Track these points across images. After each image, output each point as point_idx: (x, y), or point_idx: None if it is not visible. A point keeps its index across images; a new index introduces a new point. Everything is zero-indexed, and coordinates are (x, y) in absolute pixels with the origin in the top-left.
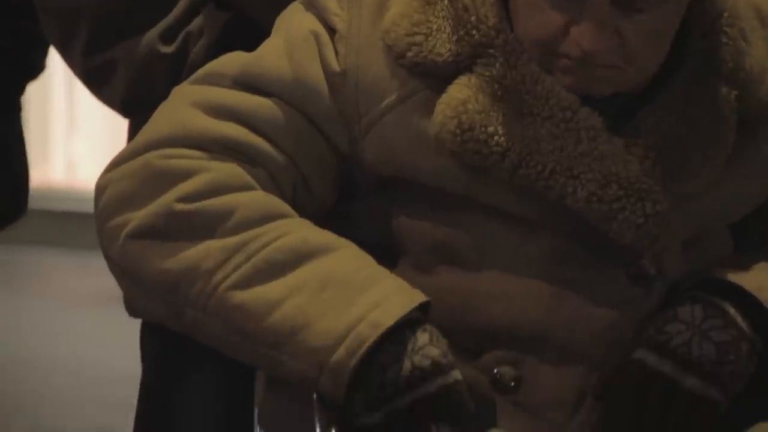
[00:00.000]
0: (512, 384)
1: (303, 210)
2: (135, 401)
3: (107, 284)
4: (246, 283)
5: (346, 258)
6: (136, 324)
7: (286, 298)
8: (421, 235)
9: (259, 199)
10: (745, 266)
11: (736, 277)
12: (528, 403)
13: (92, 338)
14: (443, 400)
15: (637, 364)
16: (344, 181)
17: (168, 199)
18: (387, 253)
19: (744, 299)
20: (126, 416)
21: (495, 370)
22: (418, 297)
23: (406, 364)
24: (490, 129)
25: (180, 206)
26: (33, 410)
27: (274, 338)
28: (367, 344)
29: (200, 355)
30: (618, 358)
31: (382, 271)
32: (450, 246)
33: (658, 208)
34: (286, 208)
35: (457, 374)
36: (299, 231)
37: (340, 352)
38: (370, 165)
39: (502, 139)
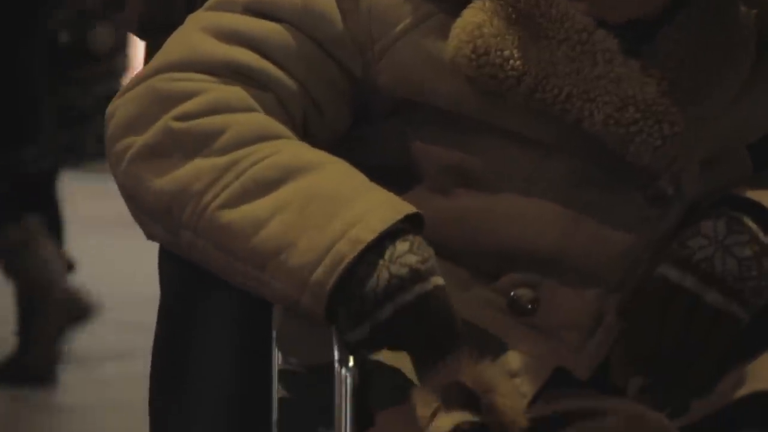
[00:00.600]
0: (529, 306)
1: (316, 135)
2: (154, 324)
3: (125, 207)
4: (234, 202)
5: (333, 173)
6: (154, 247)
7: (271, 217)
8: (437, 158)
9: (256, 119)
10: (764, 186)
11: (756, 196)
12: (545, 325)
13: (110, 261)
14: (424, 307)
15: (659, 278)
16: (359, 105)
17: (166, 118)
18: (403, 176)
19: (765, 216)
20: (145, 339)
21: (512, 293)
22: (404, 209)
23: (384, 274)
24: (506, 53)
25: (176, 124)
26: None
27: (259, 259)
28: (346, 261)
29: (218, 277)
30: (639, 274)
31: (369, 185)
32: (466, 169)
33: (676, 130)
34: (283, 130)
35: (437, 280)
36: (291, 149)
37: (320, 271)
38: (384, 89)
39: (518, 62)
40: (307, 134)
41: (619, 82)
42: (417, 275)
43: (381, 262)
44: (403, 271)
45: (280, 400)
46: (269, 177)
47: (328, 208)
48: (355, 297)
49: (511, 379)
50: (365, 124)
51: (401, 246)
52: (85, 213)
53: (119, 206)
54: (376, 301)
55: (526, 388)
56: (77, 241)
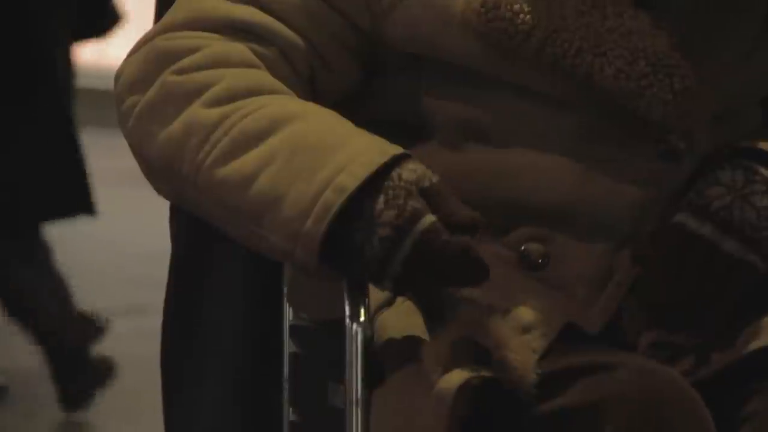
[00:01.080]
0: (540, 261)
1: (325, 90)
2: (165, 279)
3: (135, 162)
4: (225, 158)
5: (319, 122)
6: (165, 201)
7: (260, 170)
8: (448, 113)
9: (251, 74)
10: None
11: None
12: (555, 279)
13: (122, 217)
14: (423, 254)
15: (676, 227)
16: (368, 59)
17: (165, 74)
18: (414, 130)
19: None
20: (156, 294)
21: (523, 247)
22: (389, 151)
23: (374, 241)
24: (516, 7)
25: (172, 78)
26: None
27: (254, 213)
28: (333, 211)
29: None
30: (654, 224)
31: (355, 131)
32: (477, 124)
33: (687, 84)
34: (279, 86)
35: (423, 223)
36: (279, 102)
37: (310, 222)
38: (394, 43)
39: (528, 16)
40: (315, 90)
41: (629, 35)
42: (400, 231)
43: (366, 226)
44: (387, 231)
45: (291, 355)
46: (257, 130)
47: (314, 157)
48: (348, 251)
49: (522, 334)
50: (376, 79)
51: (378, 203)
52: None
53: (130, 161)
54: (382, 265)
55: (536, 343)
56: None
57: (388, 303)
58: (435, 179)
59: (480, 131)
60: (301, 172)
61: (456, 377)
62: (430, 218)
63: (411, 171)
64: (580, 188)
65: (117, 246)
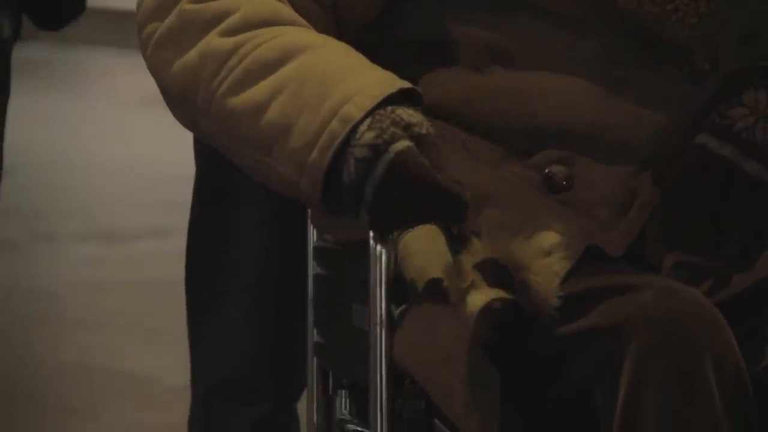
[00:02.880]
0: (564, 183)
1: (347, 16)
2: (187, 202)
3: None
4: (237, 87)
5: (331, 53)
6: None
7: (271, 99)
8: (473, 35)
9: (268, 4)
10: None
11: None
12: (579, 201)
13: (146, 139)
14: (396, 175)
15: (697, 148)
16: None
17: (183, 2)
18: (438, 52)
19: None
20: (180, 217)
21: (546, 170)
22: (396, 84)
23: (350, 161)
24: None
25: (189, 6)
26: (87, 212)
27: (264, 143)
28: (338, 141)
29: None
30: (676, 145)
31: (366, 64)
32: (501, 46)
33: (712, 7)
34: (295, 17)
35: (400, 145)
36: (293, 32)
37: (315, 153)
38: None
39: None
40: (337, 16)
41: None
42: (376, 150)
43: (348, 150)
44: (363, 152)
45: (315, 276)
46: (269, 59)
47: (323, 87)
48: (339, 191)
49: (544, 257)
50: (399, 3)
51: (362, 127)
52: (122, 89)
53: (152, 84)
54: (355, 190)
55: (558, 266)
56: (114, 119)
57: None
58: (431, 130)
59: (504, 54)
60: (309, 101)
61: (478, 299)
62: (407, 142)
63: (408, 114)
64: (604, 110)
65: (138, 168)
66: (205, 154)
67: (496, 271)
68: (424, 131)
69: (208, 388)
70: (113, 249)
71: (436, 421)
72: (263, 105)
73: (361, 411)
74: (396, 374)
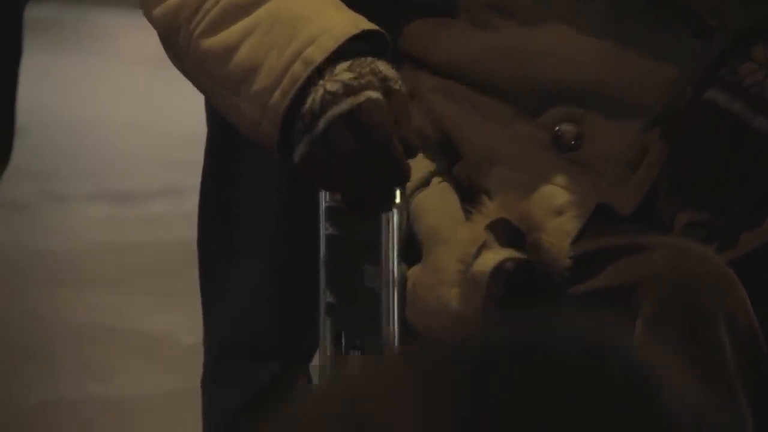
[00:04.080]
0: (573, 142)
1: None
2: (199, 161)
3: None
4: (212, 29)
5: None
6: None
7: (242, 40)
8: None
9: None
10: None
11: None
12: (588, 160)
13: (157, 99)
14: (355, 118)
15: (706, 103)
16: None
17: None
18: (445, 10)
19: None
20: (192, 176)
21: (556, 128)
22: (360, 26)
23: (319, 92)
24: None
25: None
26: (99, 172)
27: (233, 84)
28: (298, 84)
29: None
30: (685, 101)
31: (336, 5)
32: (507, 3)
33: None
34: None
35: (371, 94)
36: None
37: (277, 94)
38: None
39: None
40: None
41: None
42: (349, 89)
43: (321, 82)
44: (336, 86)
45: (327, 237)
46: (244, 1)
47: (290, 28)
48: (298, 115)
49: (555, 216)
50: None
51: (340, 66)
52: (132, 49)
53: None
54: (312, 118)
55: (569, 225)
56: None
57: (424, 184)
58: (404, 89)
59: (510, 11)
60: (278, 42)
61: (490, 259)
62: (380, 95)
63: (386, 68)
64: (612, 67)
65: (149, 128)
66: (217, 113)
67: (508, 231)
68: (397, 87)
69: (220, 347)
70: (126, 209)
71: None
72: (234, 46)
73: None
74: (408, 334)
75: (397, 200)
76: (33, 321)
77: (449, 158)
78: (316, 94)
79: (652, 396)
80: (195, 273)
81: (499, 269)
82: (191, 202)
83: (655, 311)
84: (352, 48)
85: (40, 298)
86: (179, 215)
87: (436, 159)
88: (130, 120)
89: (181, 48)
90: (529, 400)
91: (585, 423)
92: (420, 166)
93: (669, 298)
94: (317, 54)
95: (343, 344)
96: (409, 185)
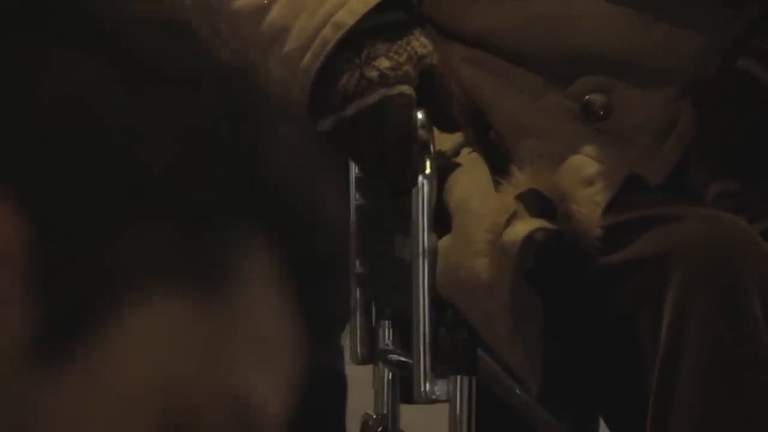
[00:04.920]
0: (602, 112)
1: None
2: None
3: None
4: None
5: None
6: None
7: (274, 1)
8: None
9: None
10: None
11: None
12: (618, 130)
13: None
14: (384, 111)
15: (738, 72)
16: None
17: None
18: None
19: None
20: None
21: (586, 98)
22: None
23: (355, 74)
24: None
25: None
26: None
27: (263, 44)
28: (330, 46)
29: None
30: (717, 69)
31: None
32: None
33: None
34: None
35: (405, 89)
36: None
37: (308, 57)
38: None
39: None
40: None
41: None
42: (385, 80)
43: (357, 61)
44: (374, 74)
45: (358, 207)
46: None
47: None
48: (331, 88)
49: (586, 187)
50: None
51: (380, 47)
52: None
53: None
54: (344, 98)
55: (600, 196)
56: None
57: (454, 154)
58: (438, 62)
59: None
60: (307, 4)
61: (520, 229)
62: (412, 90)
63: (422, 45)
64: (642, 34)
65: None
66: None
67: (538, 201)
68: (434, 61)
69: None
70: None
71: (479, 350)
72: (266, 6)
73: (404, 341)
74: (438, 304)
75: (427, 171)
76: None
77: (479, 129)
78: (352, 76)
79: None
80: None
81: (529, 239)
82: None
83: (688, 280)
84: (382, 20)
85: None
86: None
87: (466, 130)
88: None
89: (214, 13)
90: None
91: None
92: (450, 137)
93: (701, 268)
94: (348, 17)
95: (373, 314)
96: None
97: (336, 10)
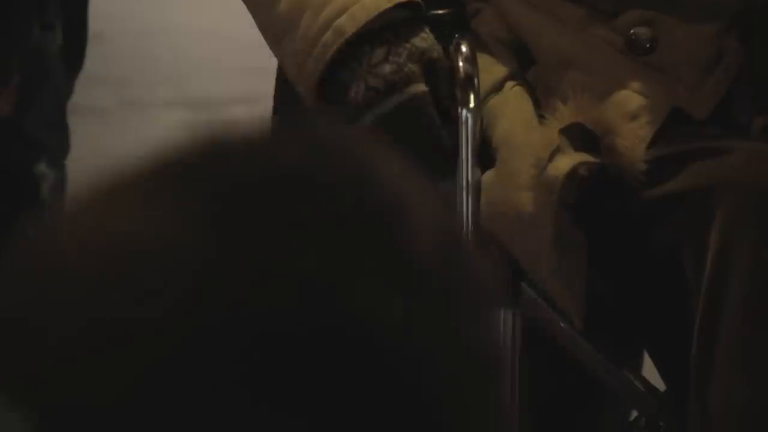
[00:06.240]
0: (648, 45)
1: None
2: (274, 68)
3: None
4: None
5: None
6: None
7: None
8: None
9: None
10: None
11: None
12: (663, 64)
13: (232, 5)
14: (402, 117)
15: None
16: None
17: None
18: None
19: None
20: (269, 83)
21: (631, 31)
22: None
23: (361, 86)
24: None
25: None
26: (175, 78)
27: (274, 33)
28: (328, 55)
29: None
30: (762, 4)
31: None
32: None
33: None
34: None
35: (415, 88)
36: None
37: (311, 62)
38: None
39: None
40: None
41: None
42: (391, 87)
43: (360, 71)
44: (377, 82)
45: None
46: None
47: None
48: (339, 99)
49: (630, 120)
50: None
51: (379, 52)
52: None
53: None
54: (358, 110)
55: (644, 130)
56: None
57: (498, 88)
58: (441, 54)
59: None
60: (312, 2)
61: (564, 163)
62: (423, 87)
63: (422, 38)
64: None
65: (225, 35)
66: None
67: (582, 135)
68: (436, 55)
69: None
70: (203, 115)
71: (523, 284)
72: None
73: None
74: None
75: (471, 105)
76: None
77: (523, 63)
78: (359, 89)
79: (397, 232)
80: None
81: (573, 173)
82: (268, 108)
83: (733, 213)
84: (383, 21)
85: None
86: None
87: (510, 63)
88: (205, 27)
89: None
90: (276, 219)
91: (328, 249)
92: (494, 70)
93: (746, 200)
94: (349, 25)
95: None
96: (483, 90)
97: (337, 15)
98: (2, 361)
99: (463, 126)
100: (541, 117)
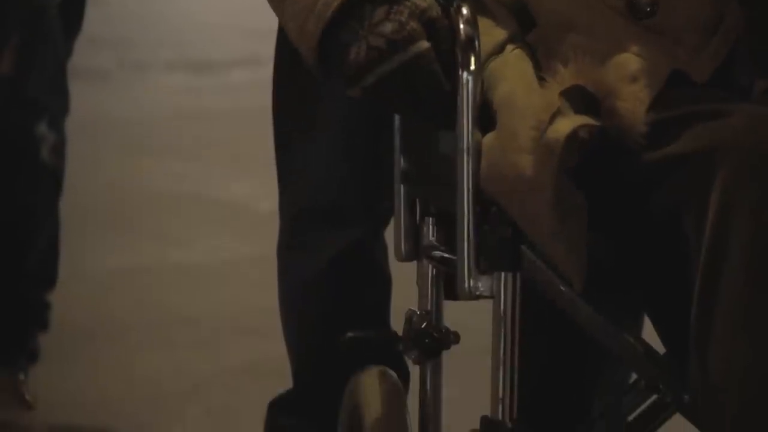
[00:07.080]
0: (648, 8)
1: None
2: (275, 29)
3: None
4: None
5: None
6: None
7: None
8: None
9: None
10: None
11: None
12: (664, 27)
13: None
14: (406, 75)
15: None
16: None
17: None
18: None
19: None
20: (270, 45)
21: None
22: None
23: (363, 46)
24: None
25: None
26: (177, 40)
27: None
28: (329, 13)
29: None
30: None
31: None
32: None
33: None
34: None
35: (419, 46)
36: None
37: (312, 21)
38: None
39: None
40: None
41: None
42: (394, 46)
43: (360, 31)
44: (379, 41)
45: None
46: None
47: None
48: (340, 61)
49: (631, 83)
50: None
51: (379, 11)
52: None
53: None
54: (359, 70)
55: (644, 93)
56: None
57: (499, 51)
58: (440, 14)
59: None
60: None
61: (564, 126)
62: (426, 44)
63: None
64: None
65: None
66: None
67: (582, 98)
68: (435, 14)
69: (296, 213)
70: (204, 78)
71: (523, 247)
72: None
73: (448, 238)
74: (482, 201)
75: (472, 67)
76: (111, 189)
77: (524, 25)
78: (360, 49)
79: None
80: (272, 141)
81: (573, 136)
82: (269, 71)
83: (733, 175)
84: None
85: (118, 166)
86: (257, 83)
87: (511, 26)
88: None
89: None
90: None
91: None
92: (494, 33)
93: (747, 165)
94: None
95: (418, 211)
96: (483, 52)
97: None
98: None
99: (464, 88)
100: (541, 79)
